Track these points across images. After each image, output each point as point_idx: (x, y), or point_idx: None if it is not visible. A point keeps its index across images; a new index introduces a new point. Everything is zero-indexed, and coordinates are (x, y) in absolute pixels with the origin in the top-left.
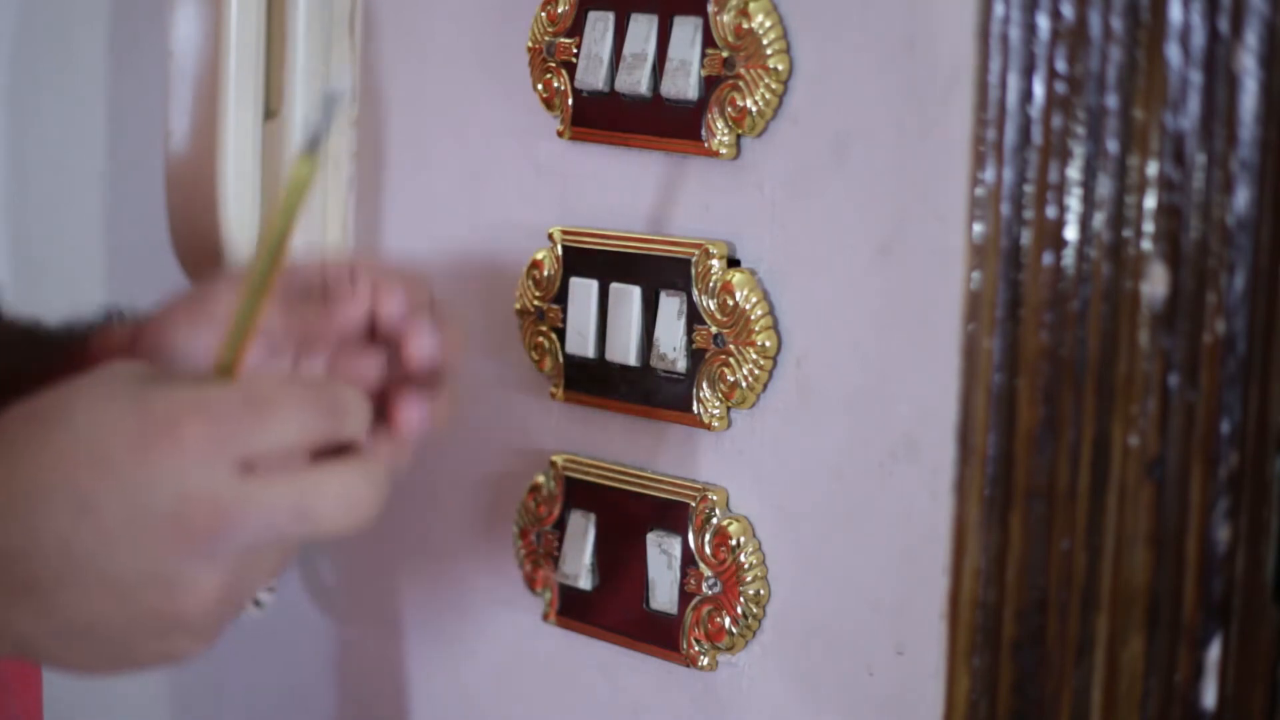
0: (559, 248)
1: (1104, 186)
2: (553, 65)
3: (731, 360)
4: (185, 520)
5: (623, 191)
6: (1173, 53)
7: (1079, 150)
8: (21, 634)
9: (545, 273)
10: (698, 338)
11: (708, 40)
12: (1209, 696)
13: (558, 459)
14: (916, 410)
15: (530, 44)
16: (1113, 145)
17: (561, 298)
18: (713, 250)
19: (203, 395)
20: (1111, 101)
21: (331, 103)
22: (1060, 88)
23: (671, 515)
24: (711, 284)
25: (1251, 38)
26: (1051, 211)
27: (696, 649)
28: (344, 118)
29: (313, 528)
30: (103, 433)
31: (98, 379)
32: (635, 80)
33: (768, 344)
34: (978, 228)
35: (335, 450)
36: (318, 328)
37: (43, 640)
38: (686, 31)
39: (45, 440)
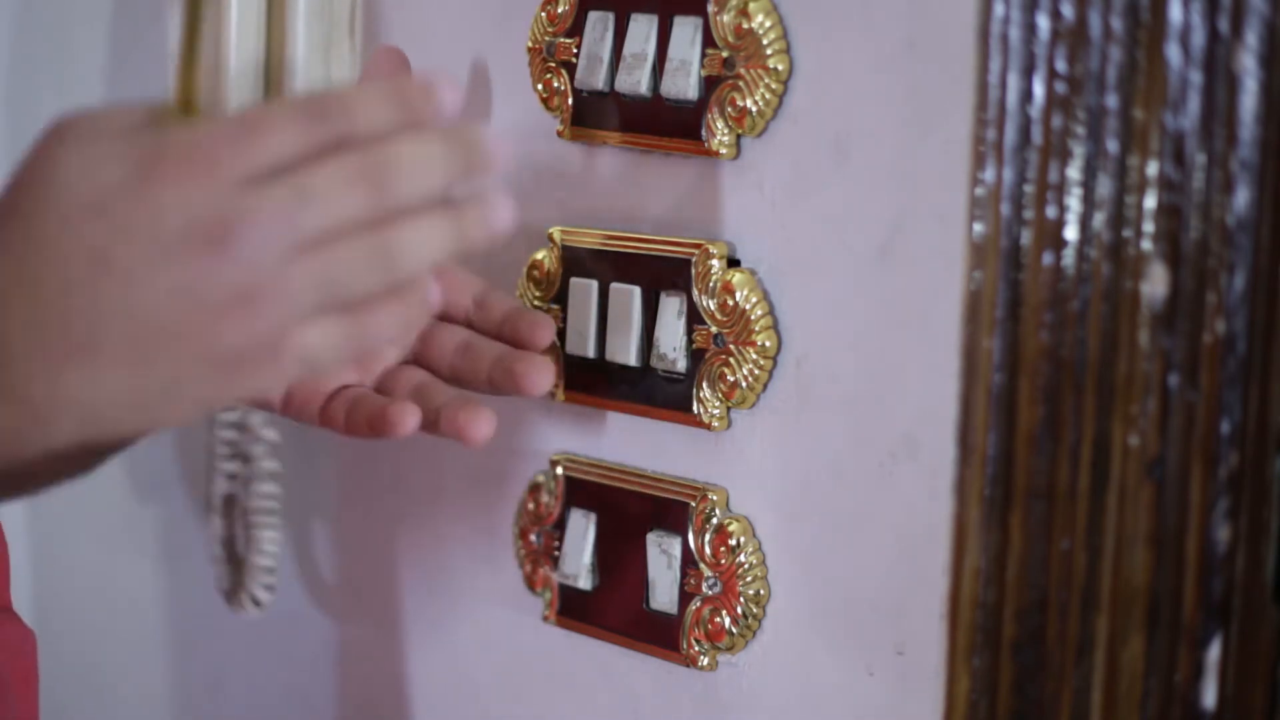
0: (559, 248)
1: (1104, 186)
2: (553, 65)
3: (731, 360)
4: (196, 238)
5: (623, 191)
6: (1173, 53)
7: (1079, 150)
8: (80, 402)
9: (545, 273)
10: (698, 338)
11: (708, 40)
12: (1209, 696)
13: (558, 459)
14: (916, 410)
15: (530, 44)
16: (1113, 145)
17: (561, 298)
18: (713, 250)
19: (190, 130)
20: (1111, 101)
21: None
22: (1060, 88)
23: (671, 515)
24: (711, 284)
25: (1251, 38)
26: (1051, 211)
27: (696, 649)
28: None
29: (322, 210)
30: (98, 184)
31: (72, 135)
32: (635, 80)
33: (768, 344)
34: (978, 228)
35: None
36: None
37: (102, 404)
38: (686, 31)
39: (43, 206)
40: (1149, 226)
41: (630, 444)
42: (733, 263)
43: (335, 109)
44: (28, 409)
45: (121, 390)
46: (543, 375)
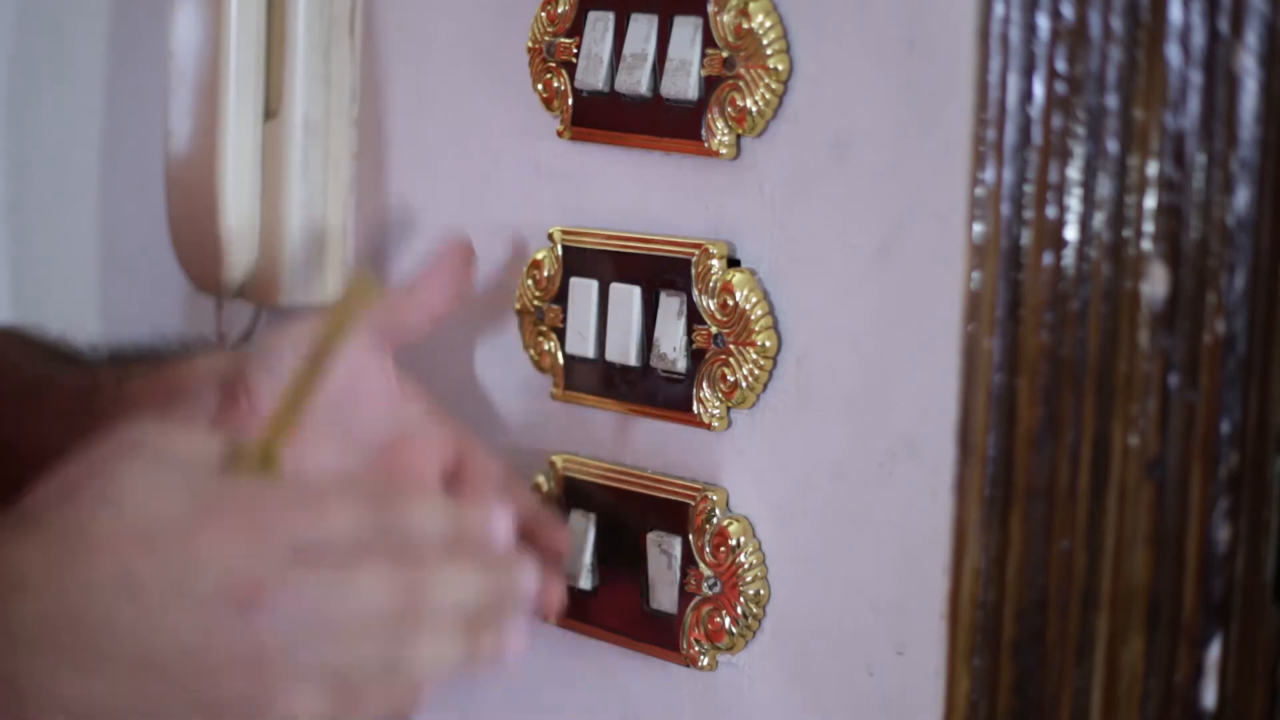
0: (559, 248)
1: (1104, 186)
2: (553, 65)
3: (731, 360)
4: (225, 596)
5: (623, 191)
6: (1173, 53)
7: (1079, 150)
8: (63, 701)
9: (545, 273)
10: (698, 338)
11: (708, 40)
12: (1209, 696)
13: (558, 459)
14: (916, 410)
15: (530, 44)
16: (1113, 145)
17: (561, 298)
18: (713, 250)
19: (255, 487)
20: (1111, 101)
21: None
22: (1060, 88)
23: (671, 515)
24: (711, 284)
25: (1251, 38)
26: (1051, 211)
27: (696, 649)
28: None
29: (353, 606)
30: (151, 516)
31: (140, 457)
32: (635, 80)
33: (768, 344)
34: (978, 228)
35: None
36: None
37: (81, 708)
38: (686, 31)
39: (90, 519)
40: (1149, 226)
41: (630, 444)
42: (733, 263)
43: (397, 511)
44: (12, 692)
45: (104, 702)
46: (556, 599)
